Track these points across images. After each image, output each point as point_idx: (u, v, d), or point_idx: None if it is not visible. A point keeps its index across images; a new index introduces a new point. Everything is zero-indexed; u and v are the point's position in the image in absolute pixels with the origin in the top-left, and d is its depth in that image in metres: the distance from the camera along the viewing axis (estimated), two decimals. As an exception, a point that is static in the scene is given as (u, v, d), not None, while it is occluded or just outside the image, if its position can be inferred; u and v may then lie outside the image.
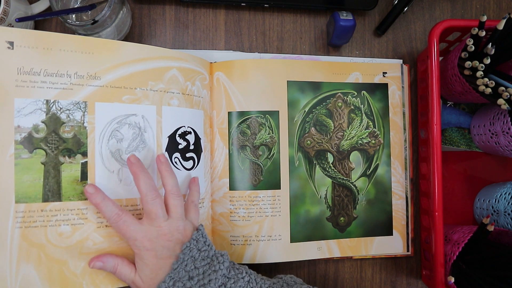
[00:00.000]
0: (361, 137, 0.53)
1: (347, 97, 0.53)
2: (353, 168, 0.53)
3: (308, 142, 0.52)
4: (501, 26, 0.43)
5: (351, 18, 0.50)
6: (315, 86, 0.53)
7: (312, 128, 0.52)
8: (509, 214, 0.51)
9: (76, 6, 0.49)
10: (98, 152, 0.42)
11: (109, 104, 0.43)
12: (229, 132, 0.51)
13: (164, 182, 0.41)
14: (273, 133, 0.51)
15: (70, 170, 0.41)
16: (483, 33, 0.44)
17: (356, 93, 0.53)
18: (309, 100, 0.52)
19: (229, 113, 0.51)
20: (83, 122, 0.41)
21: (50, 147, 0.40)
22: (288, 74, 0.52)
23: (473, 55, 0.45)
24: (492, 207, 0.53)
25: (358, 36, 0.57)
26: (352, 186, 0.53)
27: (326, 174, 0.52)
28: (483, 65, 0.44)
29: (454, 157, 0.57)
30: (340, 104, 0.53)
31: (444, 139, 0.56)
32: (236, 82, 0.51)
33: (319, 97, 0.53)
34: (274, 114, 0.51)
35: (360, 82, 0.54)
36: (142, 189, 0.39)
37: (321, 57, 0.56)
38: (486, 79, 0.44)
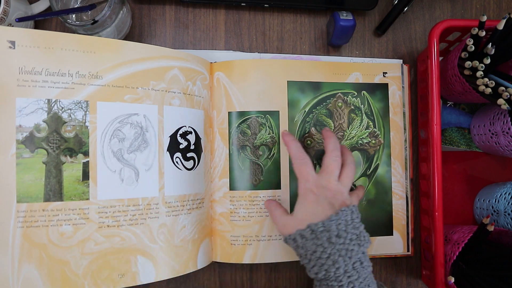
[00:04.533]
0: (361, 137, 0.53)
1: (347, 97, 0.53)
2: (353, 168, 0.53)
3: (309, 142, 0.52)
4: (501, 26, 0.43)
5: (351, 18, 0.50)
6: (315, 86, 0.53)
7: (312, 128, 0.52)
8: (509, 214, 0.51)
9: (76, 6, 0.49)
10: (100, 151, 0.42)
11: (111, 103, 0.43)
12: (229, 132, 0.51)
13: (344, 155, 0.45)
14: (273, 133, 0.51)
15: (71, 169, 0.41)
16: (483, 33, 0.44)
17: (356, 93, 0.53)
18: (309, 100, 0.52)
19: (229, 113, 0.51)
20: (85, 122, 0.41)
21: (52, 147, 0.40)
22: (288, 74, 0.52)
23: (473, 55, 0.45)
24: (492, 207, 0.53)
25: (358, 36, 0.57)
26: (352, 186, 0.53)
27: (326, 174, 0.52)
28: (483, 65, 0.44)
29: (454, 157, 0.57)
30: (340, 104, 0.53)
31: (444, 139, 0.56)
32: (236, 82, 0.51)
33: (319, 97, 0.53)
34: (274, 114, 0.51)
35: (360, 82, 0.54)
36: (329, 148, 0.44)
37: (321, 57, 0.56)
38: (486, 79, 0.44)
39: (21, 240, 0.38)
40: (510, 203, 0.51)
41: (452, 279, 0.45)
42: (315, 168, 0.52)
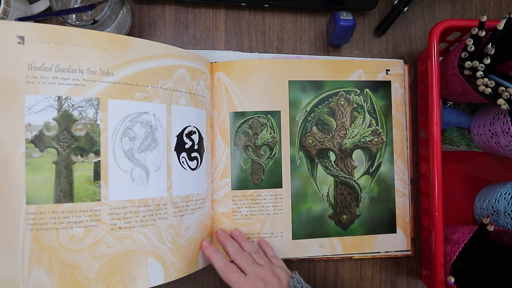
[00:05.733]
0: (363, 135, 0.53)
1: (350, 95, 0.53)
2: (356, 166, 0.53)
3: (310, 141, 0.52)
4: (501, 26, 0.43)
5: (351, 18, 0.50)
6: (317, 85, 0.53)
7: (314, 127, 0.52)
8: (509, 214, 0.51)
9: (76, 6, 0.49)
10: (111, 151, 0.40)
11: (122, 101, 0.41)
12: (231, 132, 0.51)
13: (244, 248, 0.47)
14: (274, 133, 0.51)
15: (82, 169, 0.39)
16: (483, 33, 0.44)
17: (359, 91, 0.53)
18: (311, 100, 0.53)
19: (231, 113, 0.51)
20: (96, 120, 0.40)
21: (62, 146, 0.39)
22: (290, 74, 0.52)
23: (473, 55, 0.45)
24: (492, 207, 0.53)
25: (358, 36, 0.57)
26: (355, 184, 0.53)
27: (328, 173, 0.53)
28: (483, 65, 0.44)
29: (454, 157, 0.57)
30: (342, 102, 0.53)
31: (444, 139, 0.56)
32: (237, 82, 0.51)
33: (321, 96, 0.53)
34: (276, 114, 0.51)
35: (363, 80, 0.54)
36: (230, 252, 0.46)
37: (321, 57, 0.56)
38: (486, 79, 0.44)
39: (30, 243, 0.37)
40: (510, 203, 0.51)
41: (452, 279, 0.45)
42: (316, 166, 0.52)
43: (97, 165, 0.40)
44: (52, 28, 0.38)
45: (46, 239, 0.37)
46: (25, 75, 0.37)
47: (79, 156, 0.39)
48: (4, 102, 0.36)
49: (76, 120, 0.39)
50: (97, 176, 0.40)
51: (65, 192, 0.38)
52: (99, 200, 0.39)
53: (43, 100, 0.38)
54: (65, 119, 0.39)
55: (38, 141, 0.38)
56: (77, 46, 0.39)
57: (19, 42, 0.37)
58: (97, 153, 0.40)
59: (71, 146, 0.39)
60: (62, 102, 0.39)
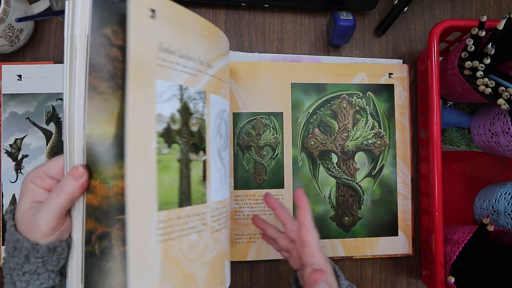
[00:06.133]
0: (366, 137, 0.53)
1: (352, 98, 0.53)
2: (358, 169, 0.53)
3: (312, 142, 0.52)
4: (501, 26, 0.43)
5: (351, 18, 0.50)
6: (320, 88, 0.53)
7: (316, 129, 0.53)
8: (509, 214, 0.51)
9: (76, 6, 0.49)
10: (212, 148, 0.36)
11: (217, 96, 0.37)
12: (234, 133, 0.51)
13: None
14: (277, 134, 0.52)
15: (196, 169, 0.34)
16: (483, 33, 0.44)
17: (361, 94, 0.53)
18: (313, 102, 0.53)
19: (234, 114, 0.51)
20: (203, 115, 0.35)
21: (183, 142, 0.33)
22: (292, 76, 0.52)
23: (473, 55, 0.45)
24: (492, 207, 0.53)
25: (358, 36, 0.57)
26: (357, 186, 0.53)
27: (330, 174, 0.53)
28: (483, 65, 0.44)
29: (454, 157, 0.57)
30: (345, 105, 0.53)
31: (444, 139, 0.56)
32: (241, 83, 0.51)
33: (324, 99, 0.53)
34: (278, 115, 0.52)
35: (365, 83, 0.54)
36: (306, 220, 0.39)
37: (321, 57, 0.56)
38: (486, 79, 0.44)
39: (161, 258, 0.30)
40: (510, 203, 0.51)
41: (452, 279, 0.45)
42: (318, 167, 0.53)
43: (204, 164, 0.35)
44: (179, 8, 0.33)
45: (173, 250, 0.31)
46: (155, 57, 0.30)
47: (194, 154, 0.34)
48: (137, 86, 0.29)
49: (192, 114, 0.34)
50: (204, 176, 0.35)
51: (186, 194, 0.33)
52: (205, 202, 0.35)
53: (169, 87, 0.31)
54: (185, 112, 0.33)
55: (167, 135, 0.31)
56: (193, 32, 0.34)
57: (151, 16, 0.30)
58: (205, 151, 0.35)
59: (189, 143, 0.34)
60: (183, 92, 0.33)
